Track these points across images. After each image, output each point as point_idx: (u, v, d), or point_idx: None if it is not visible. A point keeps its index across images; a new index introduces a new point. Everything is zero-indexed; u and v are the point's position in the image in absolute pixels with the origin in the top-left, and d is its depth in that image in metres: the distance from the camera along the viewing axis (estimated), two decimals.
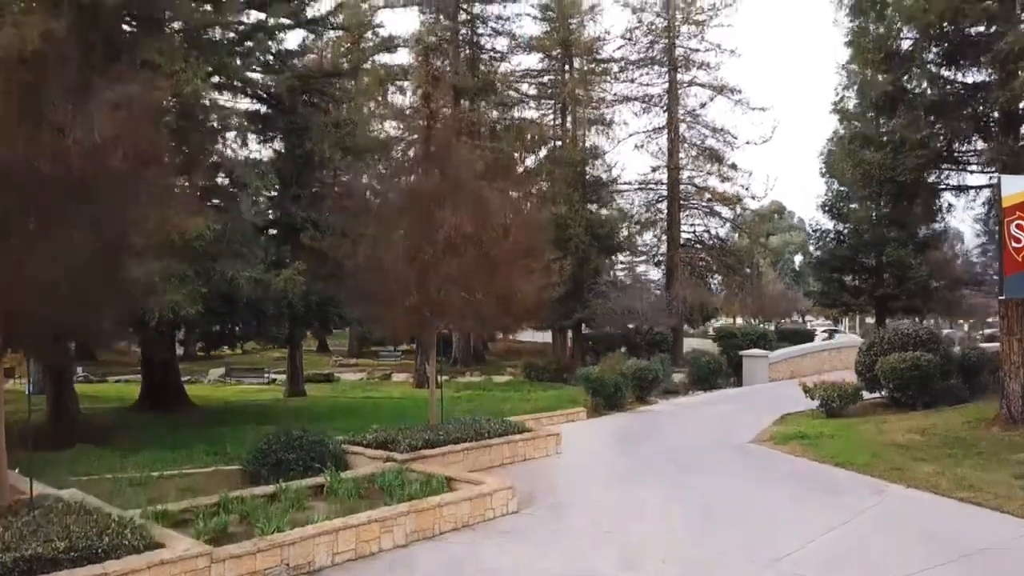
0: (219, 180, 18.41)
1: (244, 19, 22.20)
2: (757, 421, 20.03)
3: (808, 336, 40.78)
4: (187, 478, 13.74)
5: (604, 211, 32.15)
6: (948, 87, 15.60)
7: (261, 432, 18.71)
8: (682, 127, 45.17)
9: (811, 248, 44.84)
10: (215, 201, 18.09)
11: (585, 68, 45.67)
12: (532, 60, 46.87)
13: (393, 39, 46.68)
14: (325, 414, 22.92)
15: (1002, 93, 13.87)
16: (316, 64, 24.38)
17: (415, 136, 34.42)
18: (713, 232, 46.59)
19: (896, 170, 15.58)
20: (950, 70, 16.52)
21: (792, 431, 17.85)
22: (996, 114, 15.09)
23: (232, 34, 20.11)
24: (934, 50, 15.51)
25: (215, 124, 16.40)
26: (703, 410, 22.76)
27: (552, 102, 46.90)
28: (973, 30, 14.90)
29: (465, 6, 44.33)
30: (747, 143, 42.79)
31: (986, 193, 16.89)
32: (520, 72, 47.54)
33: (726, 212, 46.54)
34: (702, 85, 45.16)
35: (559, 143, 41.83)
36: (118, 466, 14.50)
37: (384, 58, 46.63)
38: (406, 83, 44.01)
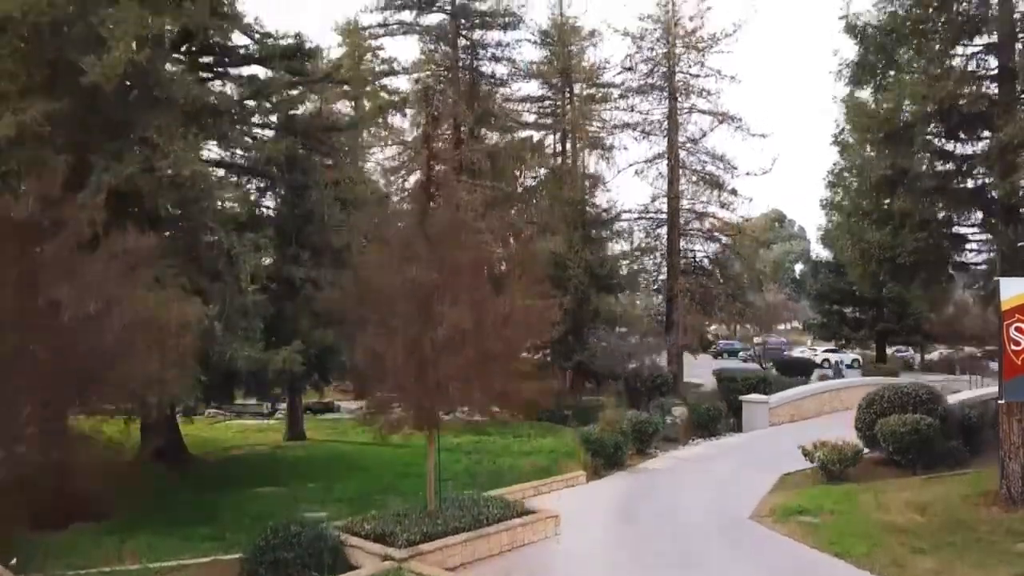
0: (214, 238, 18.25)
1: (244, 71, 22.22)
2: (757, 485, 20.02)
3: (809, 366, 40.77)
4: (185, 570, 13.75)
5: (606, 247, 32.06)
6: (949, 164, 15.54)
7: (260, 501, 18.86)
8: (682, 153, 45.14)
9: (810, 281, 44.72)
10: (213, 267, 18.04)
11: (584, 94, 45.71)
12: (532, 87, 46.79)
13: (393, 62, 46.99)
14: (323, 469, 22.91)
15: (1002, 185, 13.85)
16: (315, 115, 24.25)
17: (415, 168, 34.36)
18: (714, 256, 46.72)
19: (895, 250, 15.55)
20: (951, 143, 16.49)
21: (792, 503, 17.80)
22: (995, 195, 15.02)
23: (232, 94, 20.11)
24: (934, 127, 15.46)
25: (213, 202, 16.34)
26: (703, 468, 22.68)
27: (552, 127, 46.97)
28: (975, 110, 14.85)
29: (465, 32, 44.32)
30: (747, 174, 42.64)
31: (984, 268, 16.86)
32: (520, 96, 47.62)
33: (726, 239, 46.70)
34: (702, 111, 45.18)
35: (557, 169, 41.77)
36: (114, 555, 14.49)
37: (384, 78, 47.00)
38: (407, 110, 44.12)
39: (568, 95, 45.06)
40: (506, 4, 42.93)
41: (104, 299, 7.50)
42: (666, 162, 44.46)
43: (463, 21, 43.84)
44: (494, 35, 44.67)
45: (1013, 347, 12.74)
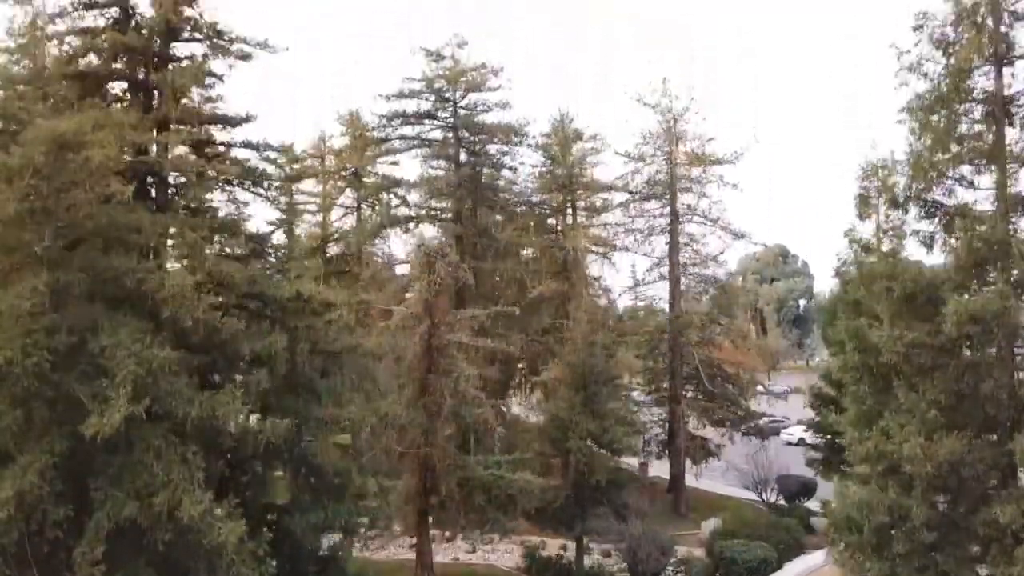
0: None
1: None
2: None
3: (811, 488, 40.74)
4: None
5: (608, 407, 31.95)
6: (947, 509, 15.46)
7: None
8: (683, 257, 45.17)
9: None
10: None
11: (586, 204, 45.75)
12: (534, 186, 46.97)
13: (394, 152, 46.67)
14: None
15: (1001, 571, 13.82)
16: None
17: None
18: (716, 364, 46.70)
19: None
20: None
21: None
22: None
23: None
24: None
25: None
26: None
27: (553, 242, 47.17)
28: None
29: (467, 146, 44.23)
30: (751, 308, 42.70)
31: None
32: (522, 201, 47.59)
33: (728, 344, 46.83)
34: (702, 221, 45.15)
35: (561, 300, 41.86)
36: None
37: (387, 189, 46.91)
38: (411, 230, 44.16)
39: (571, 209, 45.20)
40: (508, 121, 42.88)
41: None
42: (667, 277, 44.63)
43: (465, 133, 43.82)
44: (495, 146, 44.74)
45: None
